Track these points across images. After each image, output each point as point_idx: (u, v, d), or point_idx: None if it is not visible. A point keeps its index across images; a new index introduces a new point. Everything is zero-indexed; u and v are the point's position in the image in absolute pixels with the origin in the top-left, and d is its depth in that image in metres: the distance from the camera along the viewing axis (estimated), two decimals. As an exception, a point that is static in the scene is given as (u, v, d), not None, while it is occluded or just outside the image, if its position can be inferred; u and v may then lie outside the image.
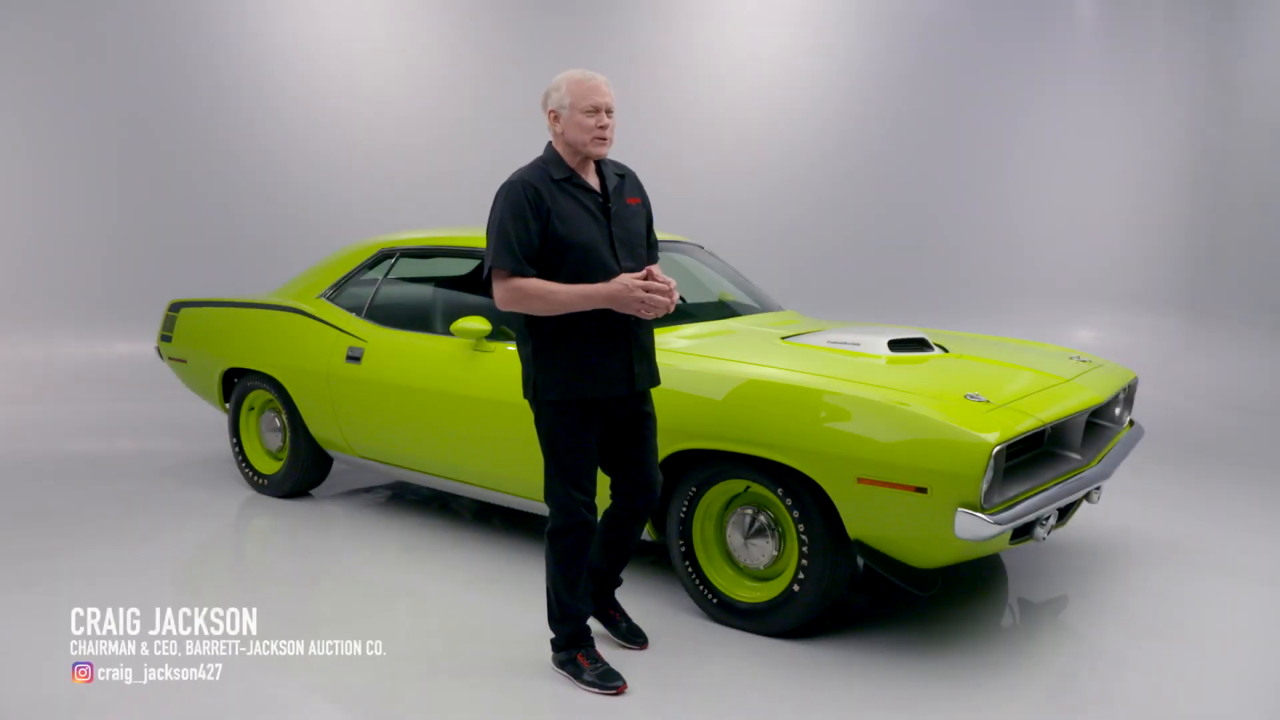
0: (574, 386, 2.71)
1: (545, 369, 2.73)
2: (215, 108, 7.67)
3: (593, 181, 2.78)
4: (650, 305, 2.61)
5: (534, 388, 2.75)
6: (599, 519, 2.92)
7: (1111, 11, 8.81)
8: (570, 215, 2.69)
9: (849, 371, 3.16)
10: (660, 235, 4.65)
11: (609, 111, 2.72)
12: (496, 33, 8.16)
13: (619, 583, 3.14)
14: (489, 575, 3.74)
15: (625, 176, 2.87)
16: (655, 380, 2.88)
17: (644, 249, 2.87)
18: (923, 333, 3.72)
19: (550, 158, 2.76)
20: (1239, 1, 8.05)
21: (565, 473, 2.76)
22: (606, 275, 2.68)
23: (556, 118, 2.73)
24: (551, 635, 2.95)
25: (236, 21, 7.65)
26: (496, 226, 2.67)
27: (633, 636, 3.11)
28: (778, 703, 2.77)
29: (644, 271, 2.68)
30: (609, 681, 2.81)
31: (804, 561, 3.03)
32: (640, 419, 2.87)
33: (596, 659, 2.88)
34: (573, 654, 2.89)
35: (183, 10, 7.55)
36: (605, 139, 2.72)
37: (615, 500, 2.94)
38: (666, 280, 2.66)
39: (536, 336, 2.73)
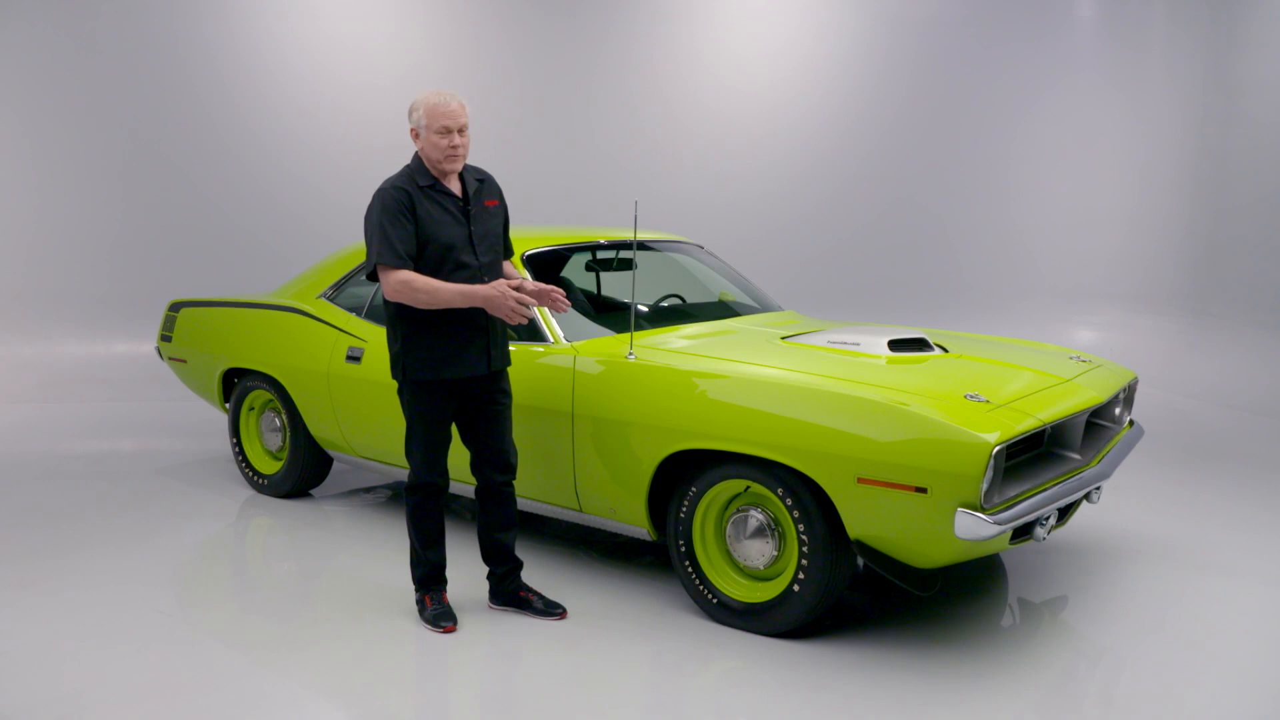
0: (439, 368, 3.05)
1: (413, 352, 3.05)
2: (215, 108, 7.67)
3: (454, 187, 3.11)
4: (519, 314, 2.91)
5: (402, 369, 3.07)
6: (475, 496, 3.31)
7: (1111, 11, 8.81)
8: (434, 217, 3.02)
9: (849, 371, 3.17)
10: (660, 235, 4.67)
11: (460, 131, 3.02)
12: (496, 33, 8.16)
13: (519, 564, 3.39)
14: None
15: (484, 181, 3.21)
16: (507, 361, 3.24)
17: (500, 245, 3.24)
18: (923, 333, 3.72)
19: (416, 167, 3.08)
20: (1239, 1, 8.05)
21: (424, 444, 3.14)
22: (464, 268, 3.05)
23: (417, 135, 3.05)
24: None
25: (237, 21, 7.65)
26: (377, 227, 2.98)
27: (551, 608, 3.32)
28: (778, 703, 2.77)
29: (517, 282, 2.99)
30: (439, 622, 3.18)
31: (804, 561, 3.03)
32: (495, 399, 3.21)
33: (439, 602, 3.24)
34: (422, 595, 3.26)
35: (183, 10, 7.55)
36: (456, 156, 3.03)
37: (476, 475, 3.27)
38: (535, 294, 2.99)
39: (405, 323, 3.04)
